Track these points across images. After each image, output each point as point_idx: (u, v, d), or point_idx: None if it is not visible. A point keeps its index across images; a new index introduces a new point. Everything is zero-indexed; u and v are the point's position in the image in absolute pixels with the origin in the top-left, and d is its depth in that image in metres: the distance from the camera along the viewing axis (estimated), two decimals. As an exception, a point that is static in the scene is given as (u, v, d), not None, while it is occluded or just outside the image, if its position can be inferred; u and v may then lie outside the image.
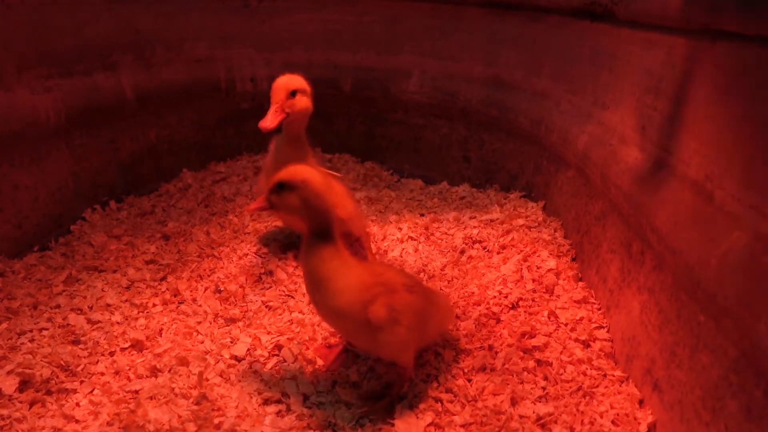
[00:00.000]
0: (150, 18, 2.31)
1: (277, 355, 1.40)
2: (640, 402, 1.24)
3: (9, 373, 1.27)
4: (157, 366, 1.35)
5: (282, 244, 1.94)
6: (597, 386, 1.30)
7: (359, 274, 1.20)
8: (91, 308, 1.57)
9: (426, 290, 1.30)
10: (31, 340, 1.43)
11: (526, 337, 1.45)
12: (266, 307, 1.60)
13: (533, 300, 1.61)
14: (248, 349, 1.42)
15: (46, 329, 1.48)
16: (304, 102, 1.65)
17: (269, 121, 1.57)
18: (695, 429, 1.01)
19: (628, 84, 1.58)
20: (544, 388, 1.29)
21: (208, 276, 1.75)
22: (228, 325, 1.53)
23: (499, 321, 1.52)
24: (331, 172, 1.69)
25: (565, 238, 1.91)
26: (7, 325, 1.47)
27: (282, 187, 1.21)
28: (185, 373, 1.33)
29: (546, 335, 1.45)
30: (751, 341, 0.85)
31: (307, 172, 1.21)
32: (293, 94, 1.62)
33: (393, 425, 1.19)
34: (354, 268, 1.21)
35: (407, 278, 1.27)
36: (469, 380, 1.32)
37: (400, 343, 1.19)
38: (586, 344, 1.43)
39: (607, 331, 1.47)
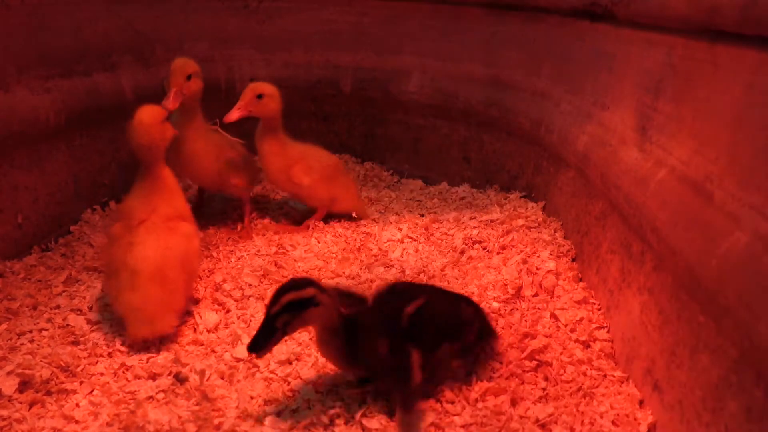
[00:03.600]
0: (150, 18, 2.31)
1: (277, 356, 1.40)
2: (641, 402, 1.24)
3: (9, 373, 1.27)
4: (157, 366, 1.35)
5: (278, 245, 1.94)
6: (597, 387, 1.30)
7: None
8: (90, 309, 1.57)
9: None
10: (31, 341, 1.43)
11: (527, 337, 1.45)
12: (266, 307, 1.59)
13: (533, 301, 1.61)
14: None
15: (46, 330, 1.47)
16: (197, 83, 1.89)
17: (171, 102, 1.76)
18: (695, 429, 1.01)
19: (627, 84, 1.58)
20: (544, 389, 1.29)
21: (207, 276, 1.75)
22: (228, 326, 1.53)
23: (499, 321, 1.52)
24: (233, 138, 1.99)
25: (565, 238, 1.91)
26: (6, 326, 1.47)
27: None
28: (185, 374, 1.33)
29: (546, 336, 1.45)
30: (752, 341, 0.85)
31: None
32: (189, 77, 1.85)
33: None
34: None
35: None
36: (470, 381, 1.32)
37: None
38: (586, 345, 1.43)
39: (608, 332, 1.47)
